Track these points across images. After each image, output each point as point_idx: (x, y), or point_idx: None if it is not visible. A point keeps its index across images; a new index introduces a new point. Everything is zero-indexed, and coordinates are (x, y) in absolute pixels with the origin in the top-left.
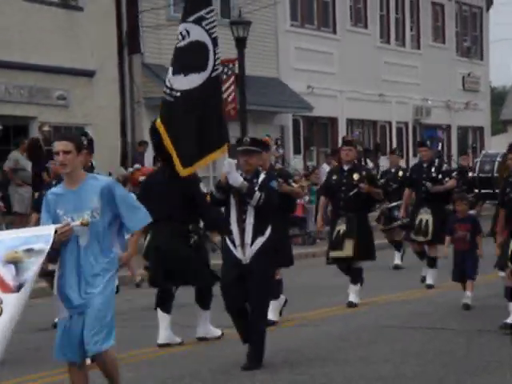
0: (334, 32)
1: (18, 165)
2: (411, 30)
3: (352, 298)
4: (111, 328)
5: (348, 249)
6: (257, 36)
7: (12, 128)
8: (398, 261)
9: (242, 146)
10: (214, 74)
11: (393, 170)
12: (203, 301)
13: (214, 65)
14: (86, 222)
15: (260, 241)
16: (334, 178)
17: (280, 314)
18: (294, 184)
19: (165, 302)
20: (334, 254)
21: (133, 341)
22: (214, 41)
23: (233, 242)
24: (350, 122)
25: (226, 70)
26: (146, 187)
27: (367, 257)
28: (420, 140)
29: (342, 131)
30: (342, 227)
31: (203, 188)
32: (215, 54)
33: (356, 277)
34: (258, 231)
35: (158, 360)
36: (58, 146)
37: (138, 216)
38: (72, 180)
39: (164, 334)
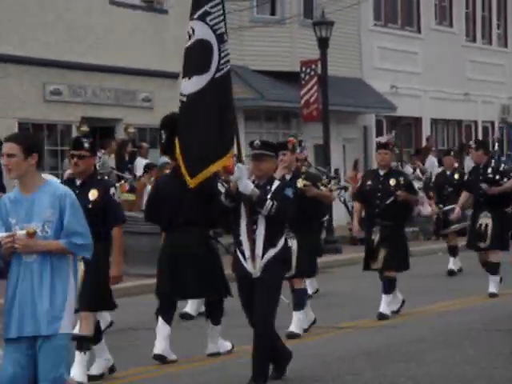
0: (419, 31)
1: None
2: (498, 28)
3: (382, 308)
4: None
5: (380, 260)
6: (340, 36)
7: (98, 130)
8: (451, 266)
9: (253, 150)
10: (217, 75)
11: (448, 173)
12: (214, 316)
13: (219, 64)
14: (33, 231)
15: (271, 252)
16: (369, 183)
17: (306, 330)
18: (322, 188)
19: (167, 312)
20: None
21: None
22: (220, 37)
23: (242, 253)
24: (435, 122)
25: (308, 70)
26: (157, 190)
27: (399, 268)
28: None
29: (425, 131)
30: (376, 237)
31: (221, 188)
32: (220, 52)
33: (387, 287)
34: (269, 243)
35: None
36: (4, 147)
37: (73, 243)
38: (24, 186)
39: (161, 345)
